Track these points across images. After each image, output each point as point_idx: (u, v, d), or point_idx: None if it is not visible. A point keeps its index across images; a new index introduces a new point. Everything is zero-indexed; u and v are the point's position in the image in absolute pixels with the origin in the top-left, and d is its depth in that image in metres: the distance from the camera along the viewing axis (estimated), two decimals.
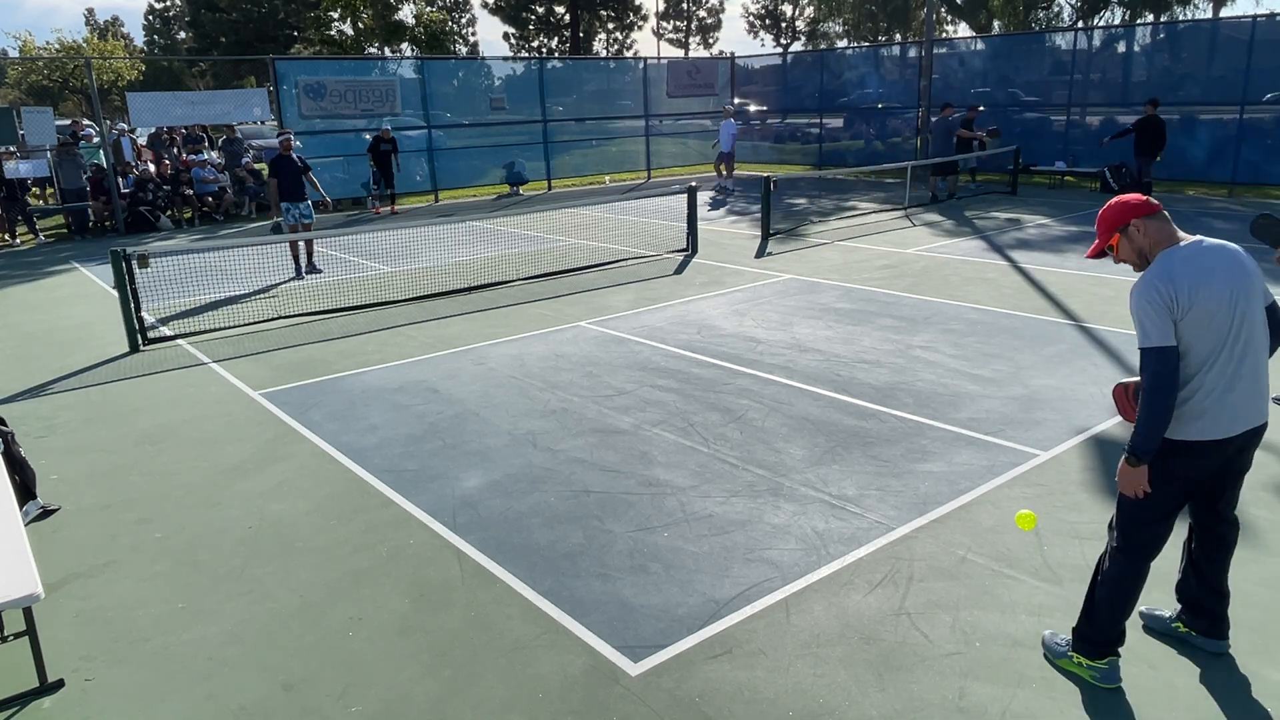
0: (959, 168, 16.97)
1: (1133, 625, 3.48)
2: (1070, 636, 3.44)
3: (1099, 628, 3.33)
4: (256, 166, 19.27)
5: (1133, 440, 3.06)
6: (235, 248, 13.43)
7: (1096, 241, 3.30)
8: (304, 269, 11.96)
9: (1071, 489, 4.94)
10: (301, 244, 11.90)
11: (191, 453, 5.90)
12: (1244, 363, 3.03)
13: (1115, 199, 3.24)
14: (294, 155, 11.71)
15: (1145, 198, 3.17)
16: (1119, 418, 5.89)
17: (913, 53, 22.66)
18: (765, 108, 25.77)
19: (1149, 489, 3.13)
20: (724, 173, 20.21)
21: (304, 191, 11.78)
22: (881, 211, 16.02)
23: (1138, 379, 3.13)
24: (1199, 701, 3.24)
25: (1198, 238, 3.12)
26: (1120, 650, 3.35)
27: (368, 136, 17.57)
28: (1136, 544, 3.26)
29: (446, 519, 4.82)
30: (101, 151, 16.82)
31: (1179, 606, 3.57)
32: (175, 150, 20.14)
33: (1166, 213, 3.17)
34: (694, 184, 12.82)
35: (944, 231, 13.70)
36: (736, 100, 25.13)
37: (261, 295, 10.67)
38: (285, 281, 11.44)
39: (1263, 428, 3.16)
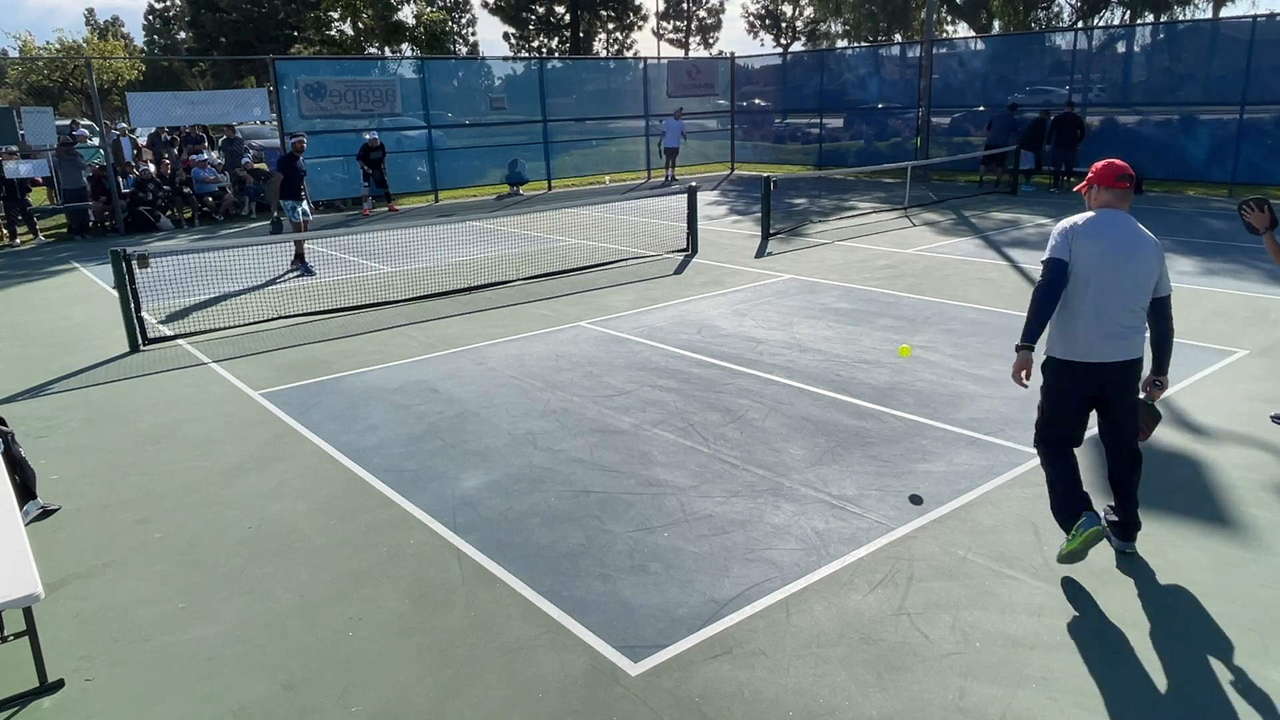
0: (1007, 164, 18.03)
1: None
2: (1060, 515, 4.13)
3: (1062, 505, 4.09)
4: (257, 166, 19.28)
5: (1024, 331, 3.99)
6: (235, 248, 13.43)
7: (1083, 182, 4.17)
8: (303, 266, 12.18)
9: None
10: (303, 239, 12.16)
11: (191, 453, 5.90)
12: (1111, 310, 3.89)
13: (1110, 165, 4.05)
14: (301, 159, 12.26)
15: (1122, 172, 3.99)
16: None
17: (913, 53, 22.66)
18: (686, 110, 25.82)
19: (1028, 377, 4.03)
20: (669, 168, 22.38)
21: (301, 192, 12.17)
22: (881, 211, 16.02)
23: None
24: (1199, 701, 3.24)
25: (1126, 215, 3.98)
26: (1078, 516, 3.96)
27: (367, 137, 17.57)
28: (1049, 439, 4.15)
29: (446, 519, 4.82)
30: (102, 151, 16.83)
31: (1108, 517, 4.29)
32: (176, 151, 20.15)
33: (1124, 191, 3.99)
34: (694, 184, 12.83)
35: (944, 231, 13.70)
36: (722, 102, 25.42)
37: (262, 295, 10.67)
38: (288, 276, 11.43)
39: (1130, 364, 3.98)
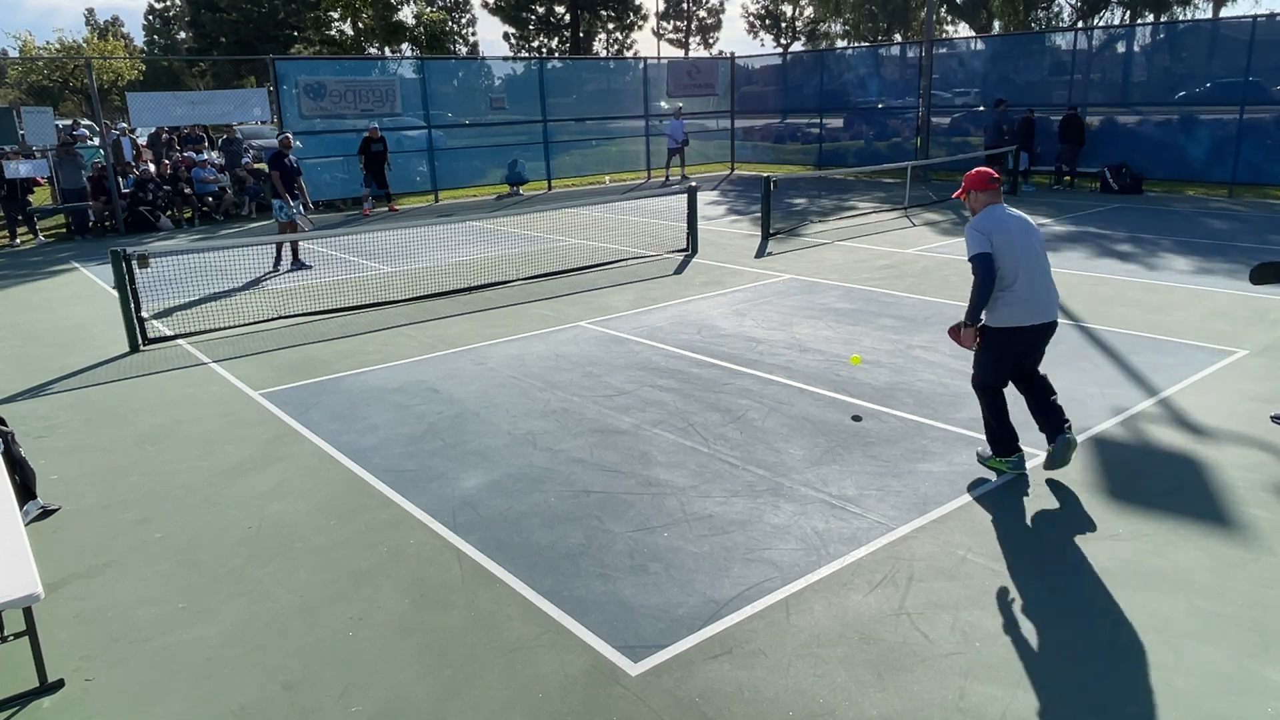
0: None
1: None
2: (990, 449, 5.17)
3: (992, 435, 5.12)
4: (257, 166, 19.28)
5: (967, 315, 4.91)
6: (235, 248, 13.44)
7: (961, 189, 5.14)
8: (290, 265, 12.25)
9: (1071, 489, 4.94)
10: (288, 241, 12.16)
11: (191, 453, 5.90)
12: (1034, 280, 4.83)
13: (974, 171, 5.07)
14: (291, 156, 12.15)
15: (992, 176, 5.02)
16: (1119, 417, 5.92)
17: (913, 53, 22.66)
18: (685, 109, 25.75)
19: (979, 346, 5.00)
20: (666, 169, 22.58)
21: (295, 191, 12.14)
22: (881, 211, 16.02)
23: (959, 322, 5.02)
24: (1200, 701, 3.24)
25: (1004, 206, 4.97)
26: (1019, 449, 5.09)
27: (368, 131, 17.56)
28: (989, 385, 5.07)
29: (446, 519, 4.82)
30: (102, 151, 16.83)
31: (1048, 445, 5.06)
32: (172, 151, 20.14)
33: (996, 190, 5.01)
34: (694, 184, 12.83)
35: (944, 231, 13.70)
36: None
37: (262, 295, 10.67)
38: (277, 275, 11.44)
39: (1054, 324, 4.95)
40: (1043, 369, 5.22)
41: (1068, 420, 4.98)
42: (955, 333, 5.06)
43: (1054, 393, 5.10)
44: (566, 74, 24.44)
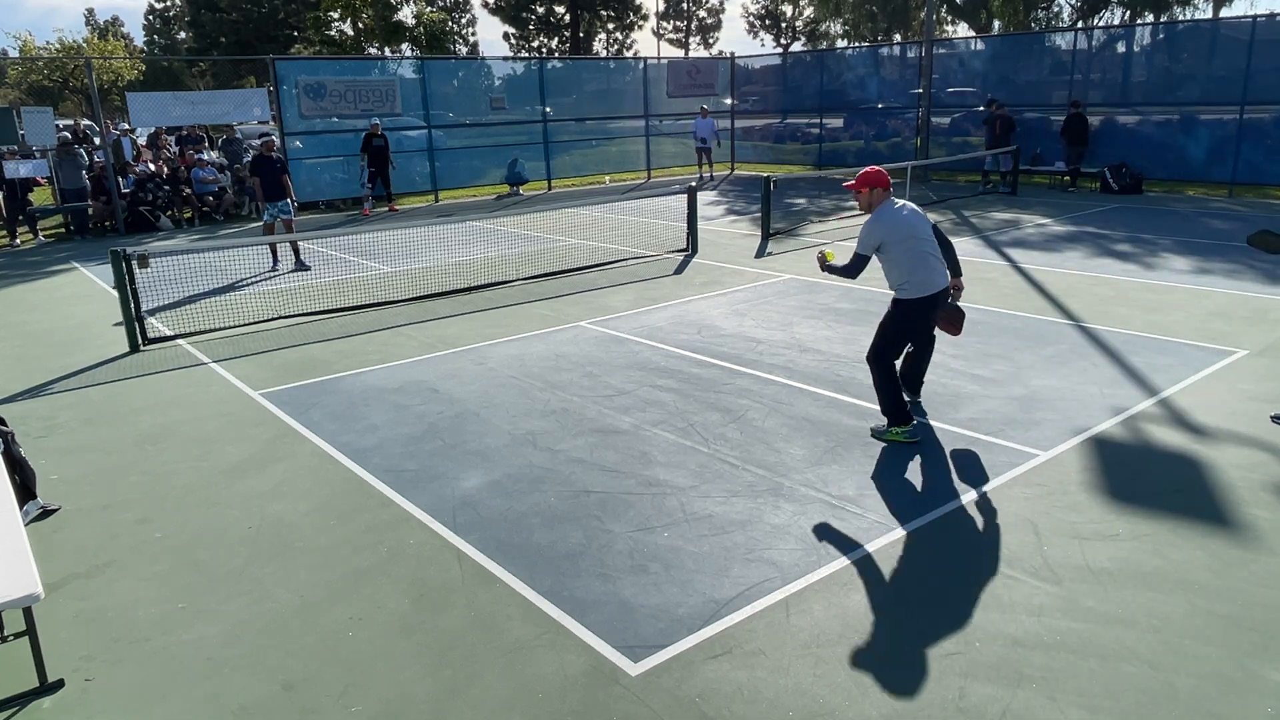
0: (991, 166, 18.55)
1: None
2: (885, 422, 5.67)
3: (892, 406, 5.62)
4: None
5: (840, 270, 5.69)
6: (235, 248, 13.44)
7: (855, 183, 5.63)
8: (293, 266, 12.21)
9: (1071, 489, 4.94)
10: (286, 241, 12.13)
11: (191, 453, 5.90)
12: (927, 258, 5.49)
13: (875, 170, 5.61)
14: (274, 156, 12.13)
15: (886, 178, 5.58)
16: (1119, 417, 5.92)
17: (913, 53, 22.66)
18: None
19: (889, 318, 5.74)
20: (700, 167, 22.85)
21: (282, 191, 12.09)
22: None
23: (826, 256, 5.76)
24: (1200, 701, 3.24)
25: (901, 202, 5.63)
26: (912, 420, 5.66)
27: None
28: (888, 356, 5.67)
29: (446, 519, 4.82)
30: (102, 151, 16.83)
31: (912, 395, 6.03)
32: (168, 152, 20.14)
33: (890, 187, 5.59)
34: (694, 184, 12.83)
35: (944, 231, 13.68)
36: (728, 101, 25.44)
37: (261, 295, 10.67)
38: (267, 276, 11.44)
39: (945, 291, 5.62)
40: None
41: (917, 390, 6.13)
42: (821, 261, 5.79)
43: (925, 358, 6.11)
44: (566, 74, 24.44)
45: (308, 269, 12.20)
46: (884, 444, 5.60)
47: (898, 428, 5.59)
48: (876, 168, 5.63)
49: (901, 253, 5.49)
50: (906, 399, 5.82)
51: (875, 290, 9.82)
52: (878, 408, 6.29)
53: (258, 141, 12.81)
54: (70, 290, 11.44)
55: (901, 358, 5.92)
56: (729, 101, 25.47)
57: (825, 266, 5.73)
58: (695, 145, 22.40)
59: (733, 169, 25.34)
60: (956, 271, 5.78)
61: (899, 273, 5.55)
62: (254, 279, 11.66)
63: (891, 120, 22.44)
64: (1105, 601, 3.86)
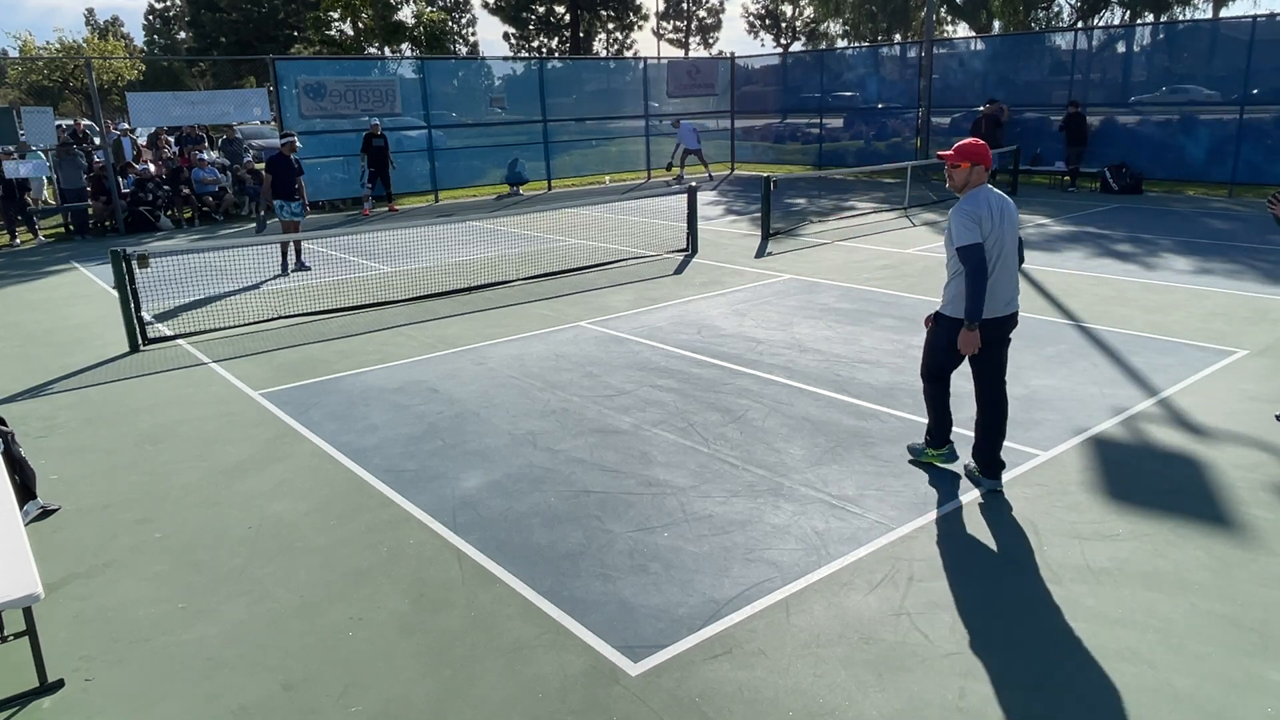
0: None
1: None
2: (924, 442, 5.29)
3: (941, 429, 5.18)
4: (257, 166, 19.27)
5: (969, 313, 4.67)
6: (235, 248, 13.44)
7: (953, 154, 4.76)
8: (292, 267, 12.17)
9: (1071, 489, 4.94)
10: (291, 242, 12.08)
11: (191, 453, 5.90)
12: (1004, 270, 4.72)
13: (979, 144, 4.74)
14: (293, 158, 12.04)
15: (989, 155, 4.73)
16: (1119, 417, 5.91)
17: (913, 53, 22.66)
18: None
19: (933, 332, 5.07)
20: (705, 169, 22.73)
21: (294, 192, 12.00)
22: (881, 211, 16.02)
23: (944, 317, 4.95)
24: (1200, 701, 3.24)
25: (996, 190, 4.78)
26: (950, 442, 5.23)
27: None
28: (940, 377, 5.10)
29: (446, 519, 4.82)
30: (102, 151, 16.83)
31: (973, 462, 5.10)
32: (169, 152, 20.14)
33: (990, 168, 4.78)
34: (694, 184, 12.83)
35: (944, 231, 13.68)
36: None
37: (261, 295, 10.67)
38: (273, 278, 11.44)
39: (1014, 316, 4.85)
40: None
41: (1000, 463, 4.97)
42: (939, 330, 4.99)
43: (1004, 423, 4.94)
44: (566, 74, 24.43)
45: (308, 269, 12.21)
46: (918, 462, 5.28)
47: (934, 449, 5.25)
48: (980, 141, 4.80)
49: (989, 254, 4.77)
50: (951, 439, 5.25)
51: (876, 290, 9.82)
52: (878, 407, 6.30)
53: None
54: (70, 290, 11.44)
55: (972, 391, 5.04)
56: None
57: (964, 337, 4.78)
58: (688, 149, 22.21)
59: (733, 169, 25.35)
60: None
61: (959, 280, 4.79)
62: (254, 279, 11.66)
63: (891, 120, 22.43)
64: (1105, 601, 3.86)
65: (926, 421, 5.30)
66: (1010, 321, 4.84)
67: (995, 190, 4.77)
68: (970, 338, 4.71)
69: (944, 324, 4.94)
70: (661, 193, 14.92)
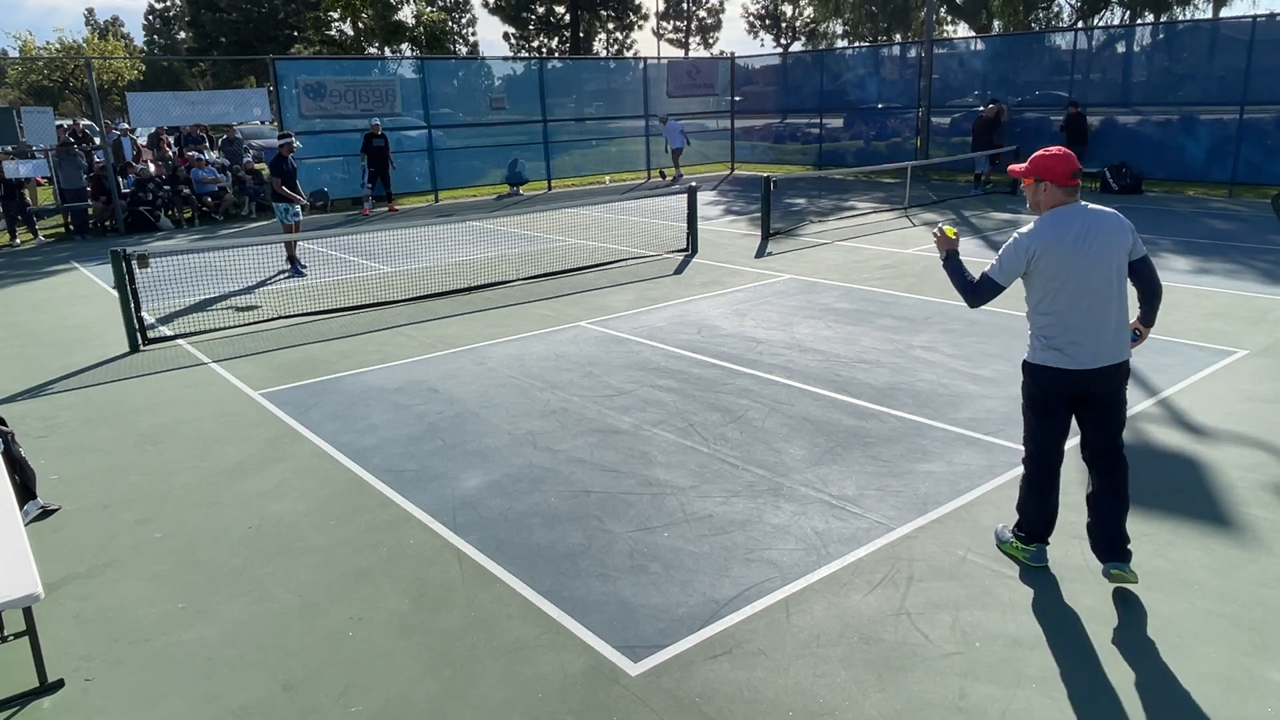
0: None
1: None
2: (1013, 528, 4.28)
3: (1024, 520, 4.18)
4: (256, 167, 19.28)
5: (956, 277, 4.20)
6: (235, 248, 13.44)
7: (1025, 168, 3.96)
8: (299, 267, 12.18)
9: (1071, 489, 4.93)
10: (295, 241, 12.11)
11: (191, 453, 5.90)
12: (1079, 309, 3.77)
13: (1052, 155, 3.88)
14: (290, 159, 12.07)
15: (1063, 170, 3.83)
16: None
17: (913, 53, 22.66)
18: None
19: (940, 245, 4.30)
20: (676, 168, 22.56)
21: (293, 194, 12.02)
22: (881, 211, 16.02)
23: (947, 233, 4.31)
24: (1200, 701, 3.24)
25: (1085, 213, 3.83)
26: (1047, 542, 4.18)
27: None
28: (1030, 453, 4.11)
29: (446, 519, 4.82)
30: (102, 151, 16.83)
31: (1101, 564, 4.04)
32: (168, 151, 20.16)
33: (1075, 186, 3.87)
34: (694, 184, 12.83)
35: None
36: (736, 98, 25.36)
37: (261, 295, 10.67)
38: (280, 277, 11.43)
39: (1107, 370, 3.84)
40: None
41: (1124, 543, 3.93)
42: (1023, 385, 4.10)
43: (1117, 496, 3.95)
44: (566, 74, 24.42)
45: (302, 274, 12.15)
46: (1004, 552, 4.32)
47: (1019, 541, 4.21)
48: (1058, 151, 3.87)
49: (1044, 292, 3.83)
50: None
51: (875, 290, 9.83)
52: (878, 407, 6.29)
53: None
54: (70, 290, 11.44)
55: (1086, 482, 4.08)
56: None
57: (945, 251, 4.31)
58: (673, 148, 22.15)
59: (732, 169, 25.35)
60: (1145, 320, 4.12)
61: (1032, 316, 3.95)
62: (254, 279, 11.66)
63: (891, 120, 22.43)
64: (1105, 601, 3.86)
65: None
66: (1093, 379, 3.82)
67: (1088, 209, 3.83)
68: (941, 239, 4.28)
69: (1025, 373, 4.04)
70: (661, 193, 14.92)
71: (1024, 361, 4.02)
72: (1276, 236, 12.21)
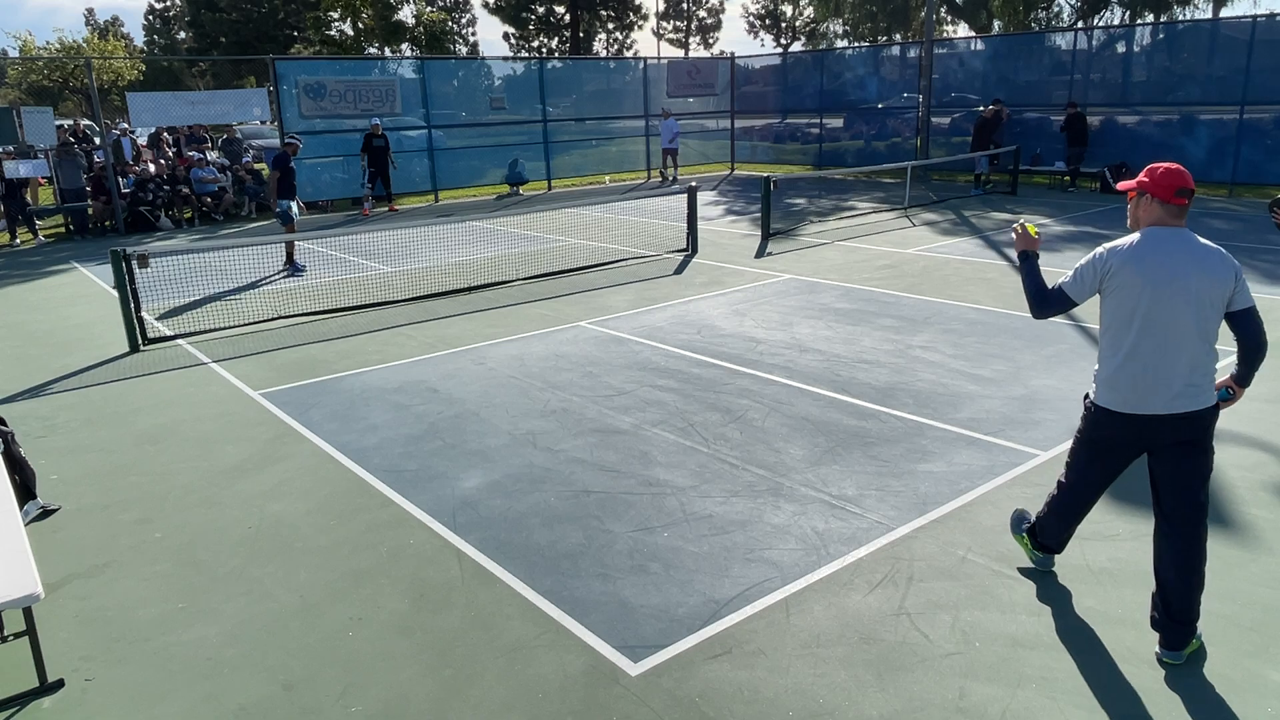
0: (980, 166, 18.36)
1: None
2: (1034, 522, 4.07)
3: (1044, 531, 4.00)
4: (256, 167, 19.27)
5: (1029, 279, 3.79)
6: (235, 248, 13.43)
7: (1134, 182, 3.55)
8: (296, 266, 12.20)
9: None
10: (295, 240, 12.14)
11: (191, 453, 5.90)
12: (1153, 346, 3.35)
13: (1161, 170, 3.43)
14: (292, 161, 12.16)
15: (1169, 187, 3.39)
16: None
17: (913, 53, 22.66)
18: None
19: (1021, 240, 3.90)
20: (667, 166, 22.21)
21: (288, 192, 12.06)
22: (881, 211, 16.02)
23: (1029, 230, 3.90)
24: (1200, 701, 3.24)
25: (1183, 240, 3.38)
26: (1055, 556, 4.08)
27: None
28: (1067, 481, 3.83)
29: (446, 519, 4.82)
30: (102, 151, 16.83)
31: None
32: (169, 151, 20.16)
33: (1182, 206, 3.41)
34: (694, 184, 12.83)
35: (944, 231, 13.70)
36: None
37: (261, 295, 10.67)
38: (278, 276, 11.43)
39: (1177, 418, 3.39)
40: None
41: (1189, 626, 3.44)
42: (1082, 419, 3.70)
43: (1187, 569, 3.43)
44: (566, 74, 24.42)
45: (301, 272, 12.17)
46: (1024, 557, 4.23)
47: (1030, 543, 4.10)
48: (1171, 165, 3.44)
49: (1114, 318, 3.45)
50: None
51: (875, 290, 9.83)
52: (878, 407, 6.28)
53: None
54: (70, 290, 11.44)
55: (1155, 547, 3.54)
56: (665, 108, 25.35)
57: (1022, 246, 3.91)
58: (662, 146, 21.92)
59: (732, 169, 25.35)
60: (1240, 379, 3.76)
61: (1101, 347, 3.57)
62: (254, 279, 11.66)
63: (891, 120, 22.43)
64: (1105, 601, 3.86)
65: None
66: (1158, 428, 3.40)
67: (1191, 238, 3.38)
68: (1022, 236, 3.89)
69: (1085, 409, 3.65)
70: (661, 193, 14.93)
71: (1086, 395, 3.65)
72: (1276, 237, 12.21)
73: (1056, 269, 10.64)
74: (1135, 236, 3.43)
